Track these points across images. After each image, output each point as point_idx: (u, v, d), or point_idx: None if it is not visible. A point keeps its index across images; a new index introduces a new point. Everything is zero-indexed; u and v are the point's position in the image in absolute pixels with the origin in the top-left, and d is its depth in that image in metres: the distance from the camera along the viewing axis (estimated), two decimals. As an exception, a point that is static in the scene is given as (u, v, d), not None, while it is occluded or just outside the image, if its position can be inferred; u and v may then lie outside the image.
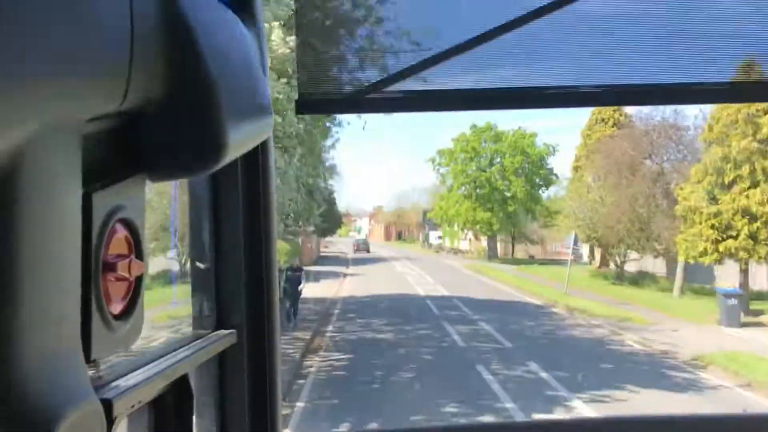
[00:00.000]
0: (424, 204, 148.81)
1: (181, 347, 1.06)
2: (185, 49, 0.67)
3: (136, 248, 0.71)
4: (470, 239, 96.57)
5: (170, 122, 0.68)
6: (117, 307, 0.68)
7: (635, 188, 34.55)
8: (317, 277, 39.86)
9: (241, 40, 0.83)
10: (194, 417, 1.09)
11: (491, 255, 72.51)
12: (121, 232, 0.68)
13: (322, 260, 58.86)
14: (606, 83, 1.48)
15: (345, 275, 45.73)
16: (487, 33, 1.40)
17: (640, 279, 37.98)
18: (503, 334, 19.97)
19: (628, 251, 38.46)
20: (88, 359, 0.62)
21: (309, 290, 26.27)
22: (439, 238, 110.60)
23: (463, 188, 71.08)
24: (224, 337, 1.21)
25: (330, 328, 21.62)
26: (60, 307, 0.56)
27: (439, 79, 1.45)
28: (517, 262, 67.48)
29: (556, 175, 69.62)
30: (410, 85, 1.43)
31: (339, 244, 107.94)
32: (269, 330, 1.28)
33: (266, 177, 1.25)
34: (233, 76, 0.76)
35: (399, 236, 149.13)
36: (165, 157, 0.71)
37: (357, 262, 57.77)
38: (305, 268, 41.12)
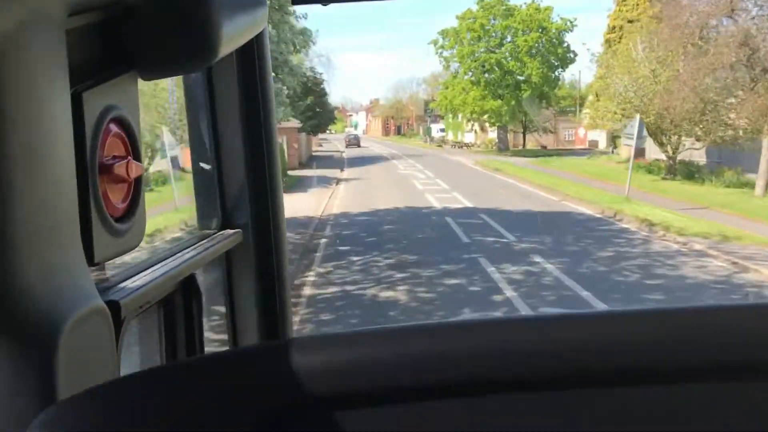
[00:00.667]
0: (423, 95, 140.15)
1: (187, 247, 1.02)
2: None
3: (133, 148, 0.68)
4: (476, 131, 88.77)
5: (157, 14, 0.65)
6: (117, 210, 0.66)
7: (708, 58, 26.54)
8: (304, 184, 32.44)
9: None
10: (203, 315, 1.06)
11: (501, 147, 64.93)
12: (116, 132, 0.66)
13: (313, 161, 51.34)
14: None
15: (338, 181, 38.31)
16: None
17: (697, 172, 30.69)
18: (583, 283, 12.19)
19: (683, 139, 30.94)
20: (92, 262, 0.61)
21: (293, 204, 19.12)
22: (442, 131, 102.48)
23: (470, 73, 62.40)
24: (230, 237, 1.18)
25: (307, 291, 12.28)
26: (57, 210, 0.54)
27: None
28: (531, 153, 60.11)
29: (574, 52, 60.79)
30: None
31: (335, 141, 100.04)
32: (275, 228, 1.24)
33: (263, 71, 1.20)
34: None
35: (398, 131, 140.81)
36: (156, 53, 0.67)
37: (353, 162, 50.21)
38: (291, 173, 33.49)
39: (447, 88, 64.89)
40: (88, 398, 0.52)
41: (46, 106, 0.53)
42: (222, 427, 0.52)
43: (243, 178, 1.23)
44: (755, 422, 0.53)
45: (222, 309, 1.26)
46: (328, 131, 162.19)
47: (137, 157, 0.69)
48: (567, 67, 60.87)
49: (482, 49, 60.79)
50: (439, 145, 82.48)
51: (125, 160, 0.66)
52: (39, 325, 0.53)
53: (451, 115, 65.82)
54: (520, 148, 66.14)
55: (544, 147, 74.48)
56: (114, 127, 0.65)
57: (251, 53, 1.18)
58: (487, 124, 68.97)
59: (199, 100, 1.22)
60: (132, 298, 0.74)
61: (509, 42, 60.00)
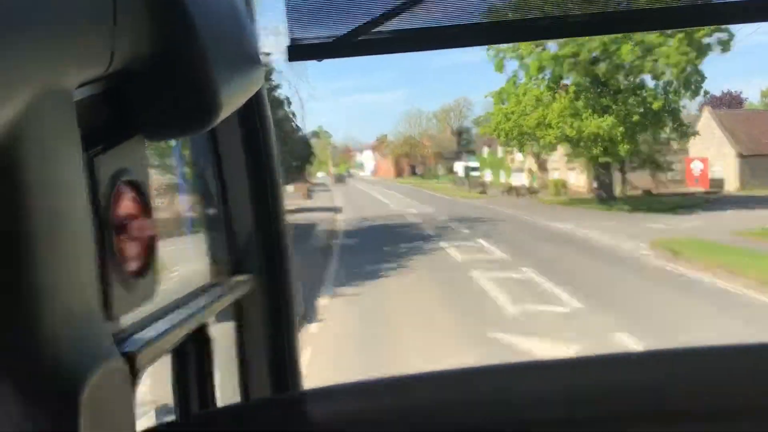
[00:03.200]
0: (434, 130, 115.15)
1: (199, 296, 1.04)
2: (169, 2, 0.65)
3: (145, 207, 0.71)
4: (529, 170, 62.47)
5: (160, 81, 0.67)
6: (133, 266, 0.69)
7: None
8: None
9: None
10: (215, 364, 1.07)
11: (603, 196, 38.17)
12: (128, 194, 0.69)
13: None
14: (609, 9, 1.42)
15: (310, 320, 11.70)
16: None
17: None
18: None
19: None
20: (109, 317, 0.63)
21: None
22: (475, 170, 76.14)
23: (547, 73, 36.21)
24: (241, 283, 1.20)
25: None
26: (76, 269, 0.57)
27: (429, 17, 1.38)
28: (658, 205, 33.46)
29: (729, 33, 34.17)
30: (401, 24, 1.36)
31: (333, 189, 73.73)
32: (284, 273, 1.27)
33: (264, 126, 1.24)
34: (221, 28, 0.73)
35: (413, 171, 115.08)
36: (159, 117, 0.70)
37: (354, 251, 23.49)
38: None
39: (502, 101, 38.57)
40: None
41: (62, 172, 0.55)
42: None
43: (251, 226, 1.25)
44: None
45: (233, 357, 1.25)
46: (322, 175, 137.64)
47: (149, 216, 0.72)
48: (705, 56, 34.21)
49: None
50: (482, 192, 56.61)
51: (138, 219, 0.69)
52: (62, 379, 0.53)
53: (515, 143, 38.71)
54: (616, 193, 39.25)
55: (649, 192, 47.98)
56: (126, 188, 0.68)
57: (252, 109, 1.21)
58: (555, 157, 42.74)
59: (205, 153, 1.24)
60: (147, 349, 0.75)
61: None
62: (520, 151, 39.78)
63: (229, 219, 1.26)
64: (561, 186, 54.83)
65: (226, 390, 1.22)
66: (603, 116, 34.21)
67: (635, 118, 34.51)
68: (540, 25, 1.43)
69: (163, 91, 0.68)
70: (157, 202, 0.85)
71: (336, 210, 38.99)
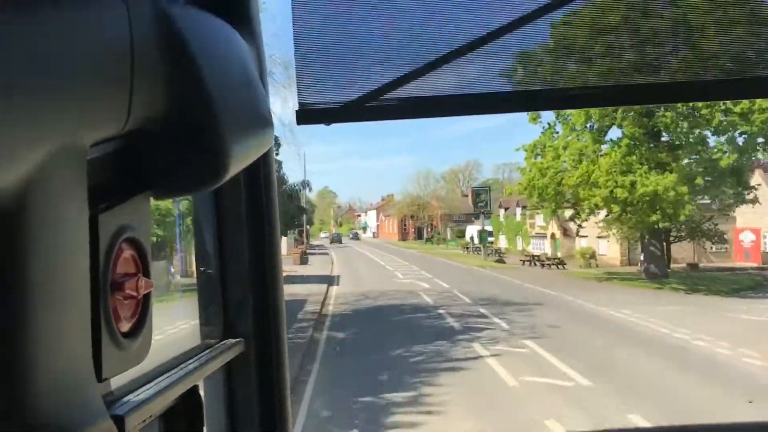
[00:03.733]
0: (443, 191, 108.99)
1: (189, 358, 1.04)
2: (184, 67, 0.66)
3: (143, 266, 0.70)
4: (552, 236, 55.90)
5: (172, 141, 0.68)
6: (126, 326, 0.67)
7: None
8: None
9: (239, 52, 0.81)
10: (204, 428, 1.06)
11: (656, 272, 31.42)
12: (128, 252, 0.68)
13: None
14: (610, 83, 1.48)
15: None
16: (486, 36, 1.38)
17: None
18: None
19: None
20: (100, 378, 0.62)
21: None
22: (488, 234, 69.70)
23: (591, 124, 30.12)
24: (232, 347, 1.19)
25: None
26: (70, 328, 0.56)
27: (435, 86, 1.41)
28: (699, 281, 27.08)
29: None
30: (410, 91, 1.40)
31: (332, 252, 67.08)
32: (276, 338, 1.26)
33: (268, 187, 1.24)
34: (233, 91, 0.75)
35: (419, 234, 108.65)
36: (168, 176, 0.70)
37: (347, 323, 16.63)
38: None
39: (536, 155, 32.33)
40: None
41: (66, 231, 0.55)
42: None
43: (246, 288, 1.24)
44: None
45: (223, 421, 1.25)
46: (333, 235, 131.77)
47: (147, 274, 0.70)
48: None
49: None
50: (499, 260, 49.76)
51: (135, 278, 0.68)
52: None
53: (550, 204, 32.09)
54: (653, 268, 32.56)
55: (695, 266, 41.24)
56: (126, 246, 0.67)
57: (257, 170, 1.21)
58: (572, 222, 36.48)
59: (207, 214, 1.25)
60: (136, 412, 0.74)
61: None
62: (551, 215, 33.04)
63: (224, 280, 1.24)
64: (589, 256, 48.20)
65: None
66: (662, 174, 27.78)
67: (698, 178, 28.08)
68: (544, 96, 1.45)
69: (174, 151, 0.68)
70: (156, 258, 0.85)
71: (331, 281, 32.26)
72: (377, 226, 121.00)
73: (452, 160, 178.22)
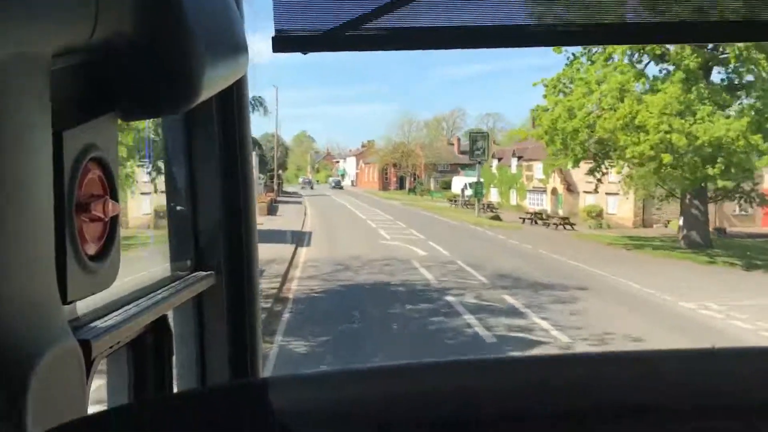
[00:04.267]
0: (425, 139, 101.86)
1: (159, 289, 1.03)
2: None
3: (111, 188, 0.69)
4: (554, 190, 49.88)
5: (142, 59, 0.65)
6: (92, 248, 0.66)
7: None
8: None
9: None
10: (174, 357, 1.07)
11: (697, 241, 25.61)
12: (95, 172, 0.66)
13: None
14: (596, 21, 1.36)
15: None
16: None
17: None
18: None
19: None
20: (65, 301, 0.61)
21: None
22: (469, 186, 63.69)
23: (630, 55, 23.64)
24: (203, 279, 1.18)
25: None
26: (33, 248, 0.54)
27: (420, 17, 1.37)
28: (747, 252, 21.33)
29: None
30: (391, 22, 1.34)
31: (306, 201, 60.57)
32: (248, 271, 1.24)
33: (241, 116, 1.20)
34: (207, 12, 0.72)
35: (400, 184, 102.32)
36: (136, 95, 0.68)
37: (315, 318, 10.27)
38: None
39: (560, 90, 25.89)
40: None
41: (27, 144, 0.53)
42: None
43: (218, 221, 1.21)
44: None
45: (193, 351, 1.23)
46: (304, 179, 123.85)
47: (114, 197, 0.69)
48: None
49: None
50: (495, 217, 43.71)
51: (102, 199, 0.66)
52: (11, 360, 0.52)
53: (575, 153, 25.62)
54: (691, 231, 26.79)
55: (722, 230, 35.65)
56: (92, 167, 0.66)
57: (231, 97, 1.18)
58: (583, 175, 30.43)
59: (177, 142, 1.20)
60: (103, 338, 0.74)
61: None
62: (574, 164, 26.75)
63: (195, 212, 1.20)
64: (595, 215, 42.44)
65: (184, 381, 1.22)
66: (726, 117, 21.56)
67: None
68: (533, 31, 1.39)
69: (143, 69, 0.66)
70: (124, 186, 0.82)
71: (302, 239, 25.92)
72: (356, 174, 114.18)
73: (435, 109, 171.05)
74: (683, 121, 21.72)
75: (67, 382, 0.59)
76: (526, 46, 1.46)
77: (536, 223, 38.56)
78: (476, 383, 0.55)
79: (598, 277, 17.91)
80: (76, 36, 0.57)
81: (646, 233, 35.22)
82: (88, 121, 0.64)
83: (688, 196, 26.08)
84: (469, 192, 63.28)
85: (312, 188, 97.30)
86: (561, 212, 44.49)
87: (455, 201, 59.72)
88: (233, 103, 1.19)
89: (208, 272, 1.20)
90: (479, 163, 45.52)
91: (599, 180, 27.90)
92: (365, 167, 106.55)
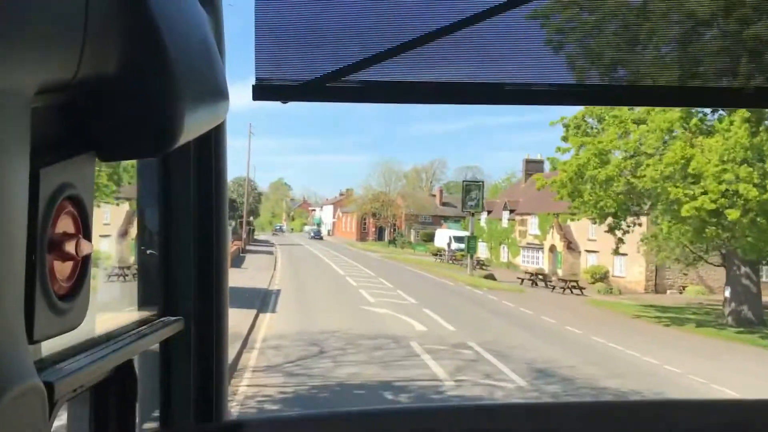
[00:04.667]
0: (405, 189, 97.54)
1: (125, 333, 1.02)
2: (143, 21, 0.64)
3: (84, 227, 0.67)
4: (552, 247, 45.18)
5: (123, 100, 0.66)
6: (62, 288, 0.65)
7: None
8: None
9: (199, 20, 0.79)
10: (137, 403, 1.05)
11: (749, 318, 20.93)
12: (69, 211, 0.65)
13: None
14: (570, 83, 1.43)
15: None
16: (449, 26, 1.35)
17: None
18: None
19: None
20: (31, 340, 0.59)
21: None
22: (458, 241, 59.07)
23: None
24: (171, 324, 1.17)
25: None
26: (2, 285, 0.53)
27: (400, 71, 1.40)
28: None
29: None
30: (371, 75, 1.38)
31: (278, 251, 55.31)
32: (218, 318, 1.24)
33: (219, 162, 1.20)
34: (191, 57, 0.73)
35: (379, 234, 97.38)
36: (116, 136, 0.67)
37: None
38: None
39: (584, 131, 21.55)
40: None
41: (4, 181, 0.52)
42: None
43: (190, 266, 1.21)
44: None
45: (157, 397, 1.22)
46: (276, 227, 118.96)
47: (87, 236, 0.67)
48: None
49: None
50: (489, 276, 38.79)
51: (75, 238, 0.65)
52: None
53: (608, 208, 20.94)
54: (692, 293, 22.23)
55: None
56: (67, 205, 0.65)
57: (209, 142, 1.19)
58: (590, 232, 25.41)
59: (152, 184, 1.21)
60: (67, 381, 0.73)
61: None
62: (616, 223, 22.17)
63: (167, 256, 1.19)
64: (599, 277, 37.96)
65: (148, 426, 1.21)
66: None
67: None
68: (511, 90, 1.40)
69: (124, 109, 0.66)
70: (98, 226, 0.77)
71: (266, 300, 20.81)
72: (333, 223, 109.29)
73: (414, 159, 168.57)
74: (751, 169, 17.37)
75: (30, 423, 0.57)
76: (504, 104, 1.45)
77: (536, 284, 33.92)
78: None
79: (671, 377, 13.07)
80: (59, 74, 0.57)
81: (663, 301, 30.70)
82: (65, 159, 0.63)
83: (736, 261, 21.59)
84: (455, 246, 58.67)
85: (282, 231, 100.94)
86: (560, 272, 39.93)
87: (440, 255, 54.93)
88: (211, 148, 1.18)
89: (177, 317, 1.19)
90: (472, 215, 40.84)
91: (620, 239, 23.41)
92: (343, 216, 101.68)
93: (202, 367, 1.22)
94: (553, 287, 32.93)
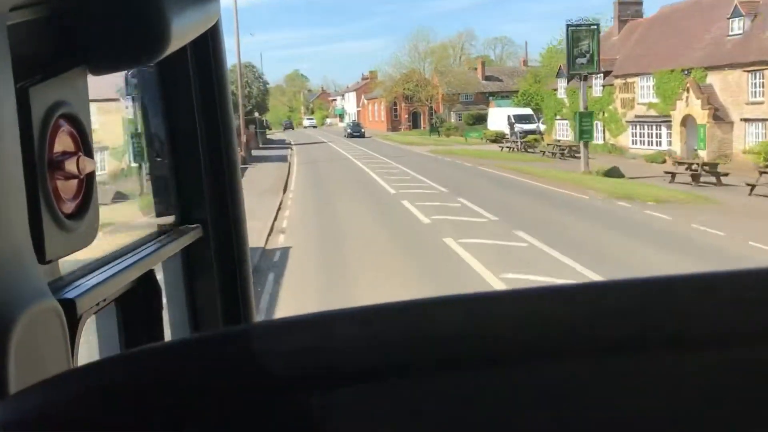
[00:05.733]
0: (428, 72, 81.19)
1: (144, 244, 1.02)
2: None
3: (84, 144, 0.67)
4: (685, 119, 31.49)
5: (108, 9, 0.65)
6: (69, 207, 0.65)
7: None
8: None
9: None
10: (165, 312, 1.07)
11: None
12: (66, 128, 0.65)
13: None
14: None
15: None
16: None
17: None
18: None
19: None
20: (43, 260, 0.60)
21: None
22: (526, 121, 45.45)
23: None
24: (189, 232, 1.16)
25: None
26: (5, 207, 0.53)
27: None
28: None
29: None
30: None
31: (295, 148, 42.71)
32: (235, 221, 1.23)
33: (218, 64, 1.18)
34: None
35: (413, 121, 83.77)
36: (103, 47, 0.66)
37: None
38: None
39: None
40: (45, 387, 0.50)
41: None
42: (184, 411, 0.48)
43: (201, 172, 1.19)
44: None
45: (184, 306, 1.22)
46: (285, 123, 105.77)
47: (88, 153, 0.67)
48: None
49: None
50: (614, 172, 25.92)
51: (76, 156, 0.65)
52: None
53: None
54: None
55: None
56: (64, 123, 0.64)
57: (205, 46, 1.14)
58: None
59: (153, 95, 1.18)
60: (88, 296, 0.73)
61: None
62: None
63: (177, 165, 1.18)
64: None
65: (177, 333, 1.21)
66: None
67: None
68: None
69: (110, 19, 0.65)
70: (100, 143, 0.72)
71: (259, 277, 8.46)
72: (357, 112, 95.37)
73: (437, 39, 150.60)
74: None
75: (49, 341, 0.57)
76: None
77: (697, 180, 21.11)
78: (485, 318, 0.51)
79: None
80: None
81: None
82: (55, 76, 0.62)
83: None
84: (520, 128, 45.29)
85: (293, 128, 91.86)
86: (704, 155, 27.04)
87: (506, 143, 41.75)
88: (209, 51, 1.15)
89: (195, 225, 1.18)
90: (584, 78, 26.95)
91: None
92: (368, 104, 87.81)
93: (225, 272, 1.21)
94: (719, 181, 19.89)
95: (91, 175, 0.67)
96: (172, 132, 1.17)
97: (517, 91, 60.46)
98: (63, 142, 0.63)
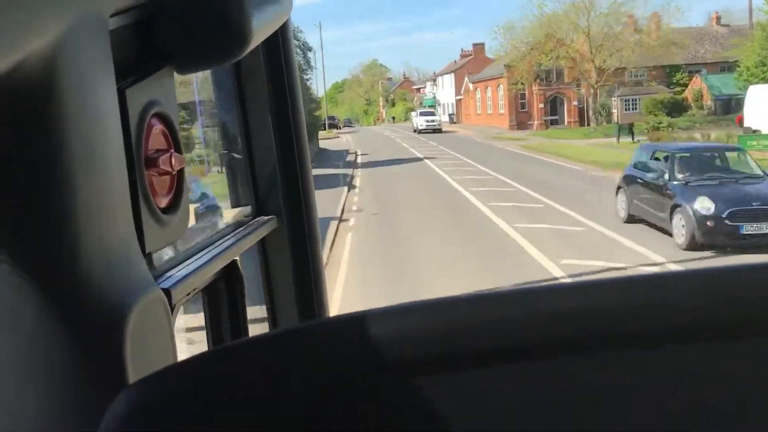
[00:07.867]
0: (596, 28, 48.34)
1: (225, 235, 1.05)
2: None
3: (174, 141, 0.71)
4: None
5: (191, 9, 0.69)
6: (163, 201, 0.69)
7: None
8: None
9: None
10: (245, 300, 1.10)
11: None
12: (158, 127, 0.69)
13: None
14: None
15: None
16: None
17: None
18: None
19: None
20: (144, 253, 0.64)
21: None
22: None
23: None
24: (265, 223, 1.19)
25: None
26: (111, 201, 0.57)
27: None
28: None
29: None
30: None
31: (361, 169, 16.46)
32: (308, 214, 1.26)
33: (289, 60, 1.22)
34: None
35: (552, 107, 56.73)
36: (189, 47, 0.71)
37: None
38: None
39: None
40: (161, 378, 0.52)
41: (96, 104, 0.55)
42: (271, 403, 0.51)
43: (274, 166, 1.23)
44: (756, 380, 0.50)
45: (261, 294, 1.26)
46: (345, 121, 75.71)
47: (178, 150, 0.71)
48: None
49: None
50: None
51: (168, 153, 0.68)
52: (105, 313, 0.54)
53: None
54: None
55: None
56: (156, 122, 0.68)
57: (276, 43, 1.18)
58: None
59: (228, 92, 1.24)
60: (181, 285, 0.75)
61: None
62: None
63: (252, 159, 1.22)
64: None
65: (256, 325, 1.24)
66: None
67: None
68: None
69: (194, 20, 0.68)
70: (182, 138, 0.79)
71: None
72: (457, 102, 68.36)
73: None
74: None
75: (157, 329, 0.61)
76: None
77: None
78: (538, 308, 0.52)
79: None
80: None
81: None
82: (146, 77, 0.66)
83: None
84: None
85: (352, 125, 79.80)
86: None
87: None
88: (279, 48, 1.18)
89: (270, 216, 1.21)
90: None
91: None
92: (473, 88, 60.72)
93: (300, 262, 1.23)
94: None
95: (181, 171, 0.71)
96: (246, 129, 1.19)
97: (721, 62, 33.55)
98: (156, 140, 0.67)
